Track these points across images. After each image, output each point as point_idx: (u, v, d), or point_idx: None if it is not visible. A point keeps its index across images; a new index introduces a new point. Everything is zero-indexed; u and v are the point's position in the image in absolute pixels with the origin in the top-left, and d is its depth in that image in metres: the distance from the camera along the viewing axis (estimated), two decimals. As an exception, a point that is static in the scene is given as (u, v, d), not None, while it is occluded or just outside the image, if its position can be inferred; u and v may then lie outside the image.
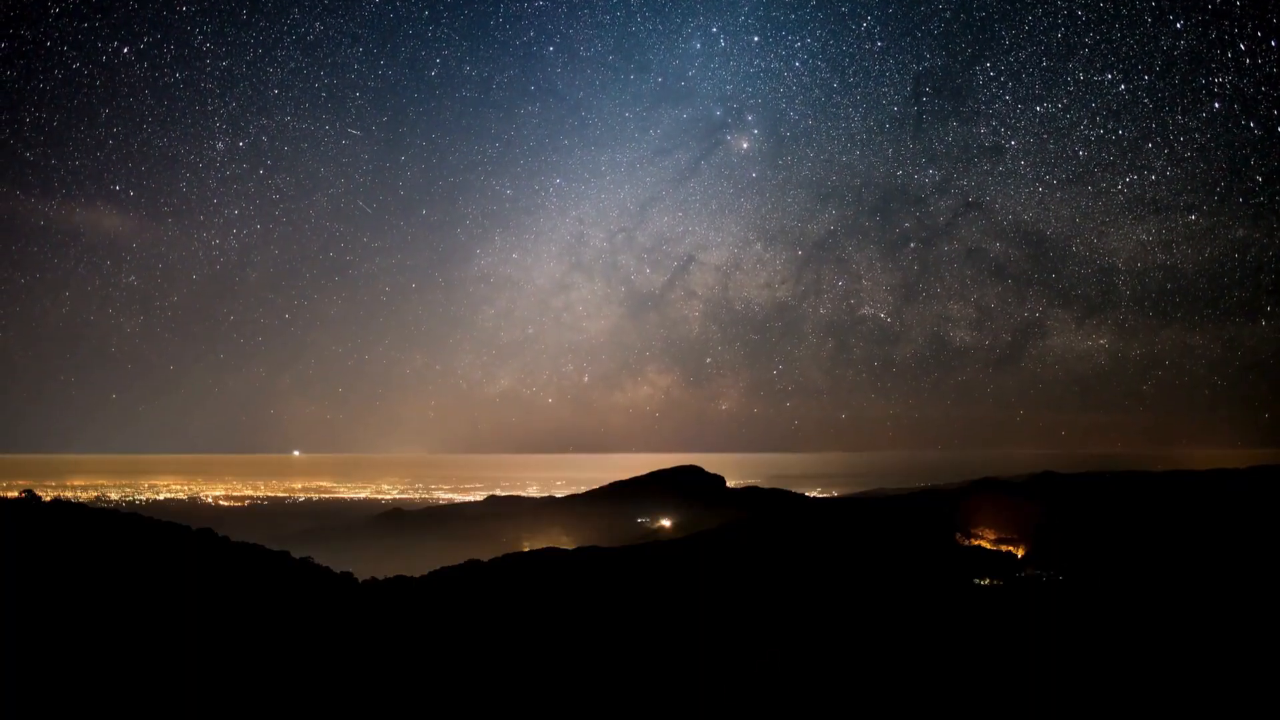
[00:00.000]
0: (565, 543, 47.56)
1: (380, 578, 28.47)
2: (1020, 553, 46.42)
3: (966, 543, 48.46)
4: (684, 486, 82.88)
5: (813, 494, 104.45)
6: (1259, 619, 25.93)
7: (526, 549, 40.60)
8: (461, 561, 33.47)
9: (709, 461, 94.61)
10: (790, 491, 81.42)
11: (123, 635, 16.30)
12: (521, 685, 17.93)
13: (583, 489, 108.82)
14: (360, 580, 26.95)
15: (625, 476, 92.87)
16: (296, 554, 27.39)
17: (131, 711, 13.60)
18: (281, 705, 14.90)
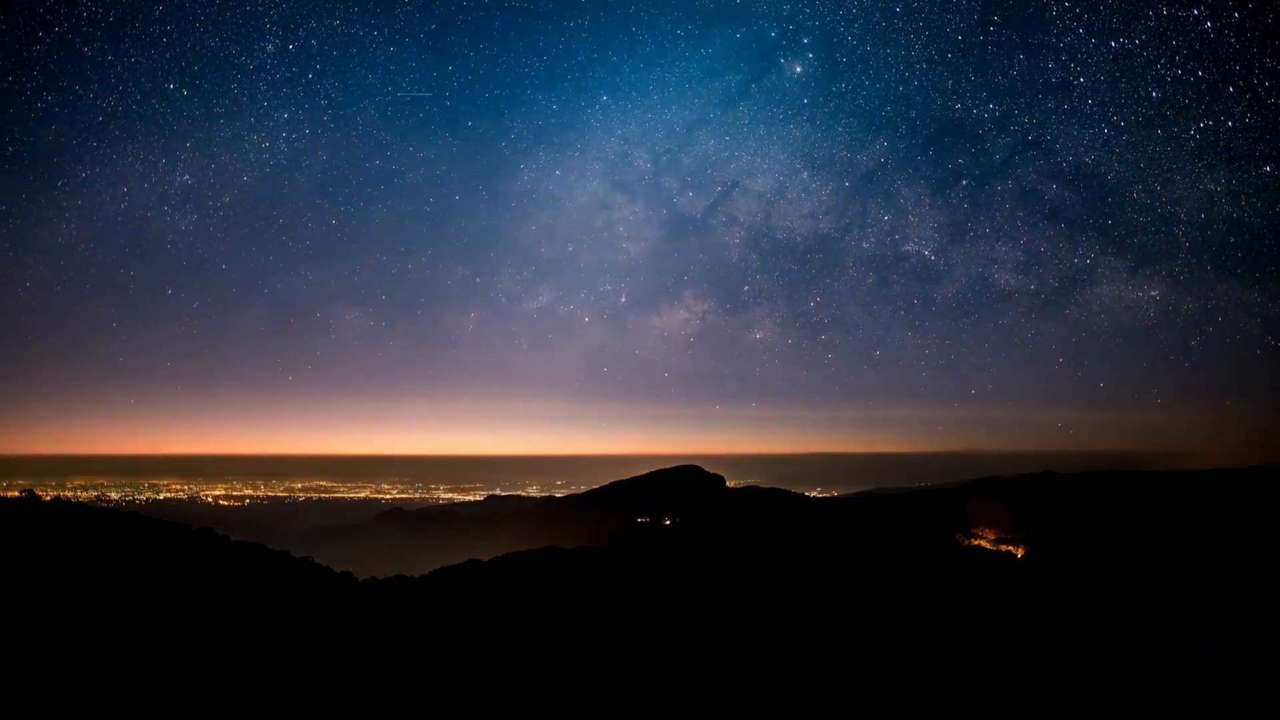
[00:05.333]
0: (565, 543, 47.56)
1: (380, 578, 28.47)
2: (1020, 553, 46.44)
3: (966, 543, 48.47)
4: (684, 486, 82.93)
5: (813, 494, 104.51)
6: (1258, 618, 25.95)
7: (526, 549, 40.55)
8: (461, 561, 33.46)
9: (709, 461, 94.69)
10: (790, 491, 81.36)
11: (123, 635, 16.31)
12: (522, 685, 17.93)
13: (583, 489, 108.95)
14: (360, 580, 26.95)
15: (625, 476, 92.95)
16: (296, 554, 27.39)
17: (132, 712, 13.61)
18: (282, 705, 14.91)
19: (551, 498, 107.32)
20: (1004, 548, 47.92)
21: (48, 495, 28.58)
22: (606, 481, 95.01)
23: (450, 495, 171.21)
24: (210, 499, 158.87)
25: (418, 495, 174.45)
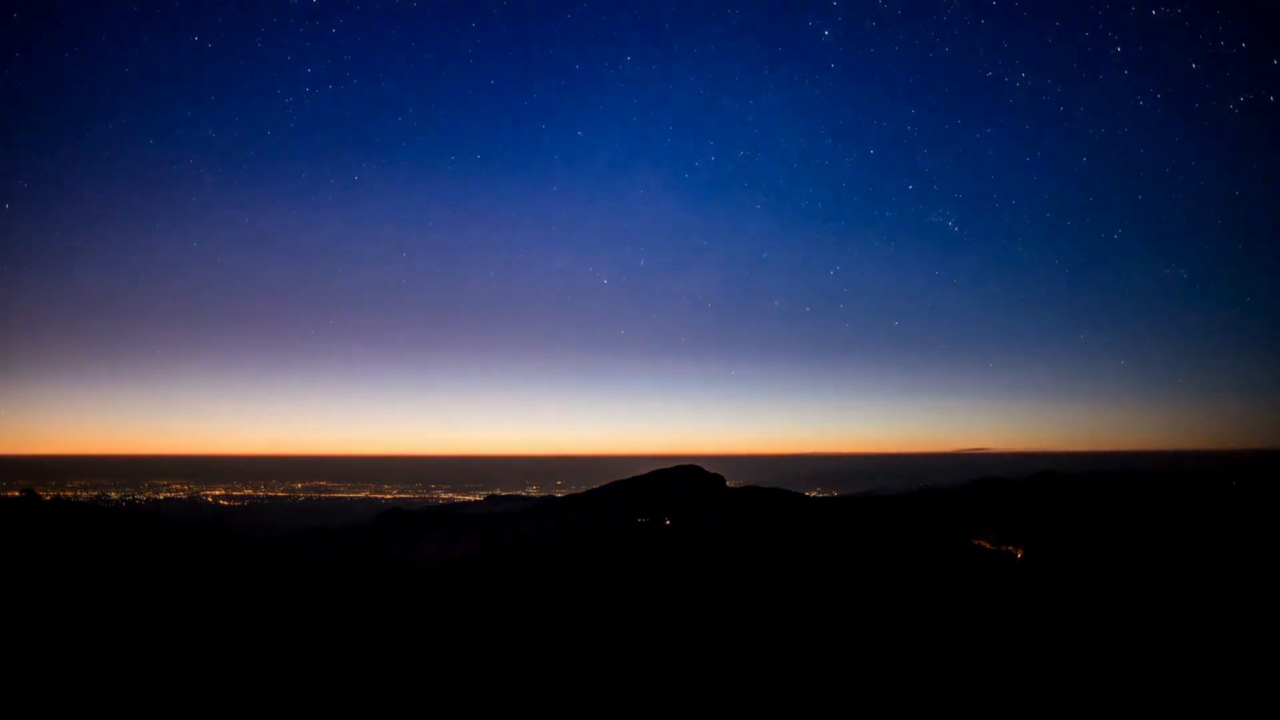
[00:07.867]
0: (565, 543, 47.49)
1: (380, 578, 28.48)
2: (1020, 553, 46.41)
3: (967, 543, 48.44)
4: (684, 486, 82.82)
5: (812, 494, 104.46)
6: (1252, 615, 25.90)
7: (526, 549, 40.58)
8: (461, 561, 33.48)
9: (709, 461, 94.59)
10: (790, 491, 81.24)
11: (124, 633, 16.29)
12: (522, 680, 17.91)
13: (583, 489, 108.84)
14: (360, 580, 26.96)
15: (625, 476, 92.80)
16: (296, 554, 27.41)
17: (134, 707, 13.59)
18: (284, 701, 14.89)
19: (551, 498, 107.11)
20: (1004, 548, 47.90)
21: (48, 495, 28.59)
22: (606, 481, 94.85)
23: (450, 495, 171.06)
24: (210, 499, 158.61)
25: (418, 495, 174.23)
